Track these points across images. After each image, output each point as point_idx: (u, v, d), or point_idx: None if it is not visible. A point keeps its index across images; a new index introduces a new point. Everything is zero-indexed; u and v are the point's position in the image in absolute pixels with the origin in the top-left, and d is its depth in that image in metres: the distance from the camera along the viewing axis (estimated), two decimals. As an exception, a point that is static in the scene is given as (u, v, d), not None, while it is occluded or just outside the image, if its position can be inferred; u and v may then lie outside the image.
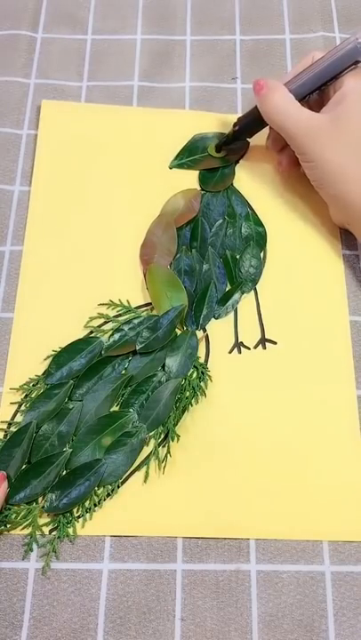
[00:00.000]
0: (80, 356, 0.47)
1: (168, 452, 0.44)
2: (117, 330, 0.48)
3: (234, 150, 0.55)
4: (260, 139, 0.54)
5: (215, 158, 0.55)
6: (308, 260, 0.52)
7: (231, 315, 0.50)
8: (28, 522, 0.42)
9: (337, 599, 0.42)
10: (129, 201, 0.53)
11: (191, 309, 0.49)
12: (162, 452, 0.45)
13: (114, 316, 0.49)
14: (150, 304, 0.49)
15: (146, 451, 0.45)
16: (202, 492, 0.44)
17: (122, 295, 0.50)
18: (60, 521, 0.43)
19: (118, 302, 0.49)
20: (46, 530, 0.43)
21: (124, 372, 0.47)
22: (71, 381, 0.46)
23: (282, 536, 0.43)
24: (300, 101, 0.49)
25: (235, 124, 0.53)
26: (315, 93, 0.50)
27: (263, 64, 0.60)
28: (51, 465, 0.44)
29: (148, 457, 0.45)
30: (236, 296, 0.50)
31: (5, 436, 0.45)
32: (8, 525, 0.42)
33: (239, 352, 0.48)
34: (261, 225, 0.53)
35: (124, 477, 0.44)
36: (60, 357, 0.47)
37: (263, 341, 0.49)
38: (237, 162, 0.55)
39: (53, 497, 0.43)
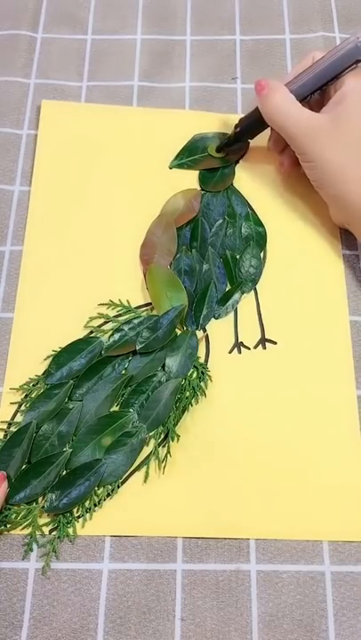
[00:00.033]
0: (80, 356, 0.47)
1: (168, 451, 0.44)
2: (117, 330, 0.48)
3: (234, 150, 0.55)
4: (260, 139, 0.54)
5: (215, 158, 0.55)
6: (308, 260, 0.52)
7: (231, 315, 0.50)
8: (28, 522, 0.42)
9: (337, 599, 0.42)
10: (129, 201, 0.53)
11: (191, 309, 0.49)
12: (162, 451, 0.45)
13: (114, 316, 0.49)
14: (150, 304, 0.49)
15: (146, 451, 0.45)
16: (202, 492, 0.44)
17: (122, 295, 0.50)
18: (60, 521, 0.43)
19: (118, 302, 0.49)
20: (46, 530, 0.43)
21: (124, 372, 0.47)
22: (71, 381, 0.46)
23: (282, 536, 0.43)
24: (301, 102, 0.49)
25: (236, 126, 0.53)
26: (316, 93, 0.50)
27: (263, 64, 0.60)
28: (51, 465, 0.44)
29: (148, 457, 0.45)
30: (236, 296, 0.50)
31: (5, 435, 0.45)
32: (8, 525, 0.42)
33: (239, 352, 0.48)
34: (261, 225, 0.53)
35: (124, 477, 0.44)
36: (60, 357, 0.47)
37: (263, 341, 0.49)
38: (237, 162, 0.55)
39: (53, 497, 0.43)
